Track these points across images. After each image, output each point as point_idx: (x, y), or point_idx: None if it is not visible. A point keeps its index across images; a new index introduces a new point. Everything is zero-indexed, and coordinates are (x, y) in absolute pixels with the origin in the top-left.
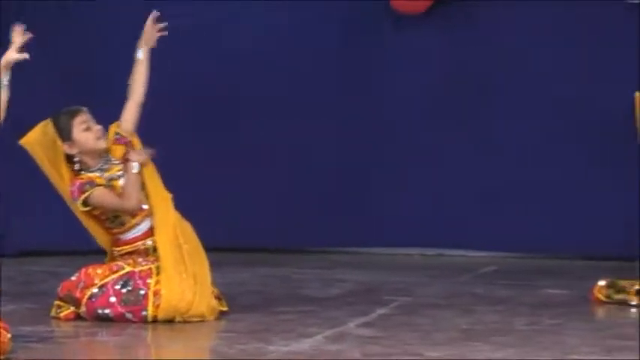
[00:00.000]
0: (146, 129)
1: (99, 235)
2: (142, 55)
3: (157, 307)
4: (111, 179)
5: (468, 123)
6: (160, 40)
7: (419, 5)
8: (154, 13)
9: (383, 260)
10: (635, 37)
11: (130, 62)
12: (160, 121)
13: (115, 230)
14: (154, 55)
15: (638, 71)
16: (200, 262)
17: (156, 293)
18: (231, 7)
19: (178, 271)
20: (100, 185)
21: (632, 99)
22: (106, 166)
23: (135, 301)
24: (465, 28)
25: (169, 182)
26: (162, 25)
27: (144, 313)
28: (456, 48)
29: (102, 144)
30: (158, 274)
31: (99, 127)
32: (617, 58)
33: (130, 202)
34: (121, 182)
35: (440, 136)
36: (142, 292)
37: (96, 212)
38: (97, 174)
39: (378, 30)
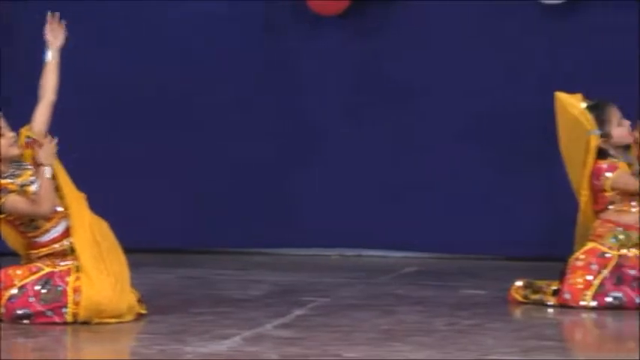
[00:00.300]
0: (64, 129)
1: (13, 240)
2: (50, 56)
3: (77, 304)
4: (23, 185)
5: (385, 124)
6: (81, 40)
7: (335, 6)
8: (52, 15)
9: (301, 261)
10: (549, 37)
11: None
12: (77, 121)
13: (30, 234)
14: (67, 55)
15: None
16: (119, 261)
17: (76, 290)
18: (150, 5)
19: (98, 269)
20: (12, 192)
21: (551, 100)
22: (18, 172)
23: (53, 298)
24: (380, 29)
25: (86, 183)
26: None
27: (64, 310)
28: (372, 49)
29: (14, 151)
30: (78, 271)
31: (12, 133)
32: (534, 60)
33: (44, 208)
34: (33, 188)
35: (358, 137)
36: (60, 288)
37: (10, 218)
38: (9, 180)
39: (295, 30)
